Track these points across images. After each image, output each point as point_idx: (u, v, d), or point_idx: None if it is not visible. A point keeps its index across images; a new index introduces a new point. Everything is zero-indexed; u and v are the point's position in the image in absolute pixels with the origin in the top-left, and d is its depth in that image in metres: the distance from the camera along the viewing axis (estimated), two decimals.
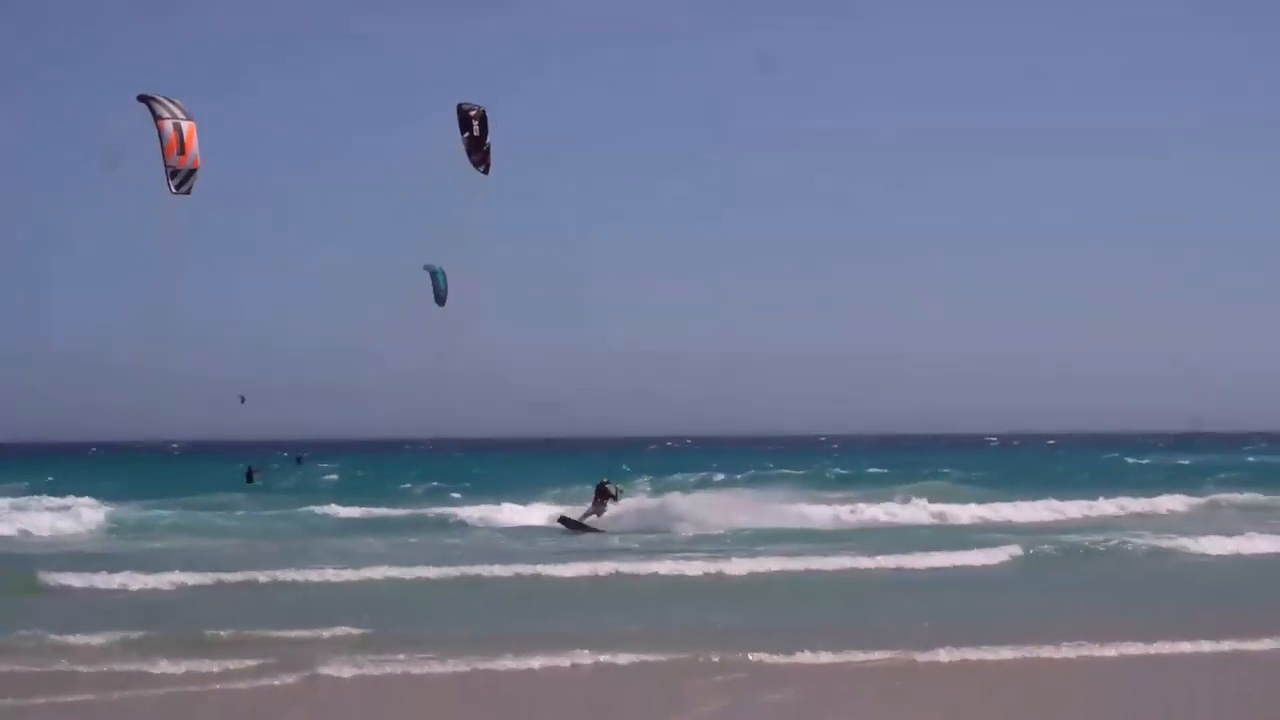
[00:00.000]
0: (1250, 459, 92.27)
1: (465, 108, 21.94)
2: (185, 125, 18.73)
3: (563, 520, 42.44)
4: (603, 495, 40.76)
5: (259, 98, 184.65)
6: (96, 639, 20.74)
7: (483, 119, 22.01)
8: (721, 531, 41.02)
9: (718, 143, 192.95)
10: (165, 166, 18.69)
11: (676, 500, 48.12)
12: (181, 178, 18.76)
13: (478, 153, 21.98)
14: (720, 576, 29.85)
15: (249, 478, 51.19)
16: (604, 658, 19.26)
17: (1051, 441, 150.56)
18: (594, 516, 41.70)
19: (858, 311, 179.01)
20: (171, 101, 18.76)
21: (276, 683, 17.98)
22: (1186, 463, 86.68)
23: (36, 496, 55.77)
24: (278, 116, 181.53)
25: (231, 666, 18.74)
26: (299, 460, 70.04)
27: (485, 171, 22.08)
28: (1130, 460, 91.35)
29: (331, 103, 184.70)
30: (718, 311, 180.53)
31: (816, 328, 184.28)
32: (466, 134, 21.93)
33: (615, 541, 38.69)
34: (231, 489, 57.30)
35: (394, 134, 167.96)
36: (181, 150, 18.68)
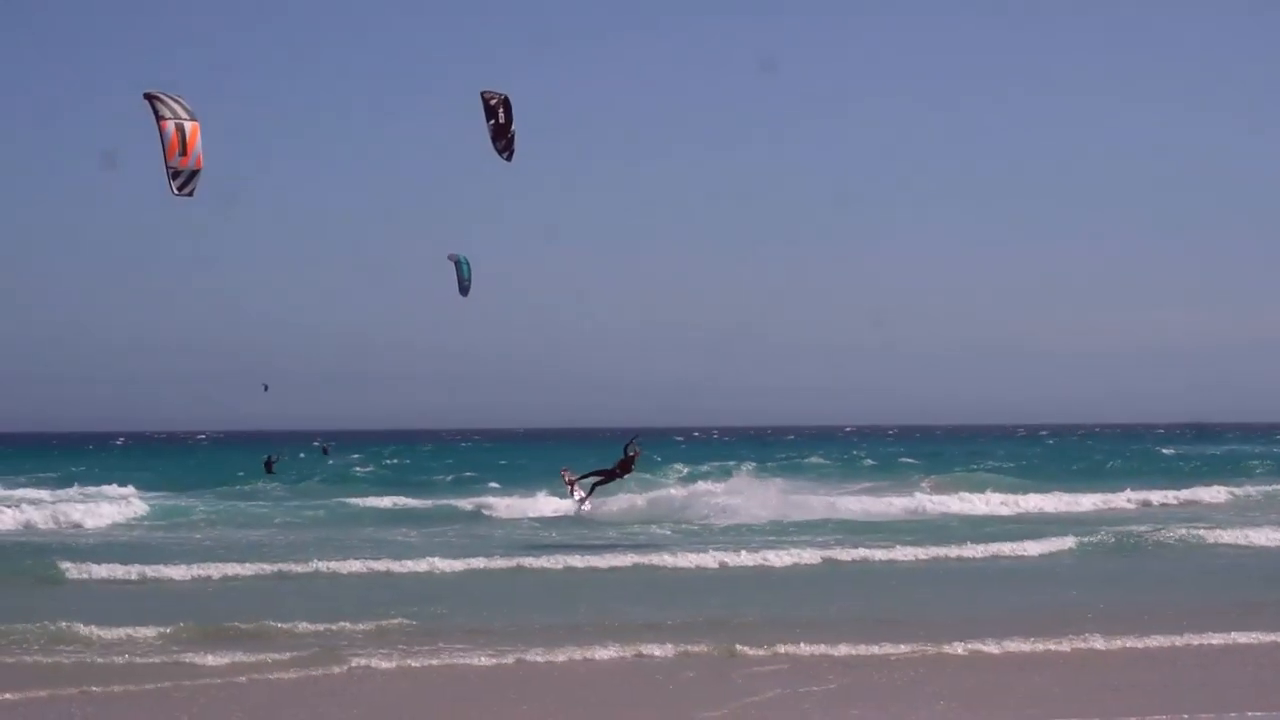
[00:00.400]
0: None
1: (487, 95, 22.01)
2: (188, 125, 18.46)
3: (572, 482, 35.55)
4: (624, 467, 33.41)
5: (274, 81, 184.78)
6: (136, 630, 20.72)
7: (506, 105, 22.00)
8: (760, 522, 40.87)
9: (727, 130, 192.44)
10: (166, 168, 18.43)
11: (713, 490, 48.03)
12: (184, 179, 18.51)
13: (503, 139, 22.00)
14: (763, 568, 29.72)
15: (268, 468, 50.80)
16: (645, 649, 19.21)
17: (1081, 432, 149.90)
18: (587, 487, 34.75)
19: (867, 304, 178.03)
20: (176, 100, 18.49)
21: (318, 673, 17.94)
22: (1218, 452, 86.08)
23: (78, 486, 55.81)
24: (294, 102, 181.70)
25: (272, 658, 18.71)
26: (325, 451, 70.04)
27: (509, 158, 22.09)
28: (1166, 450, 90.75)
29: (348, 84, 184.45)
30: (736, 301, 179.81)
31: (828, 319, 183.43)
32: (492, 121, 21.94)
33: (653, 530, 38.67)
34: (262, 479, 57.29)
35: (407, 120, 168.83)
36: (183, 152, 18.41)
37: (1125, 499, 49.85)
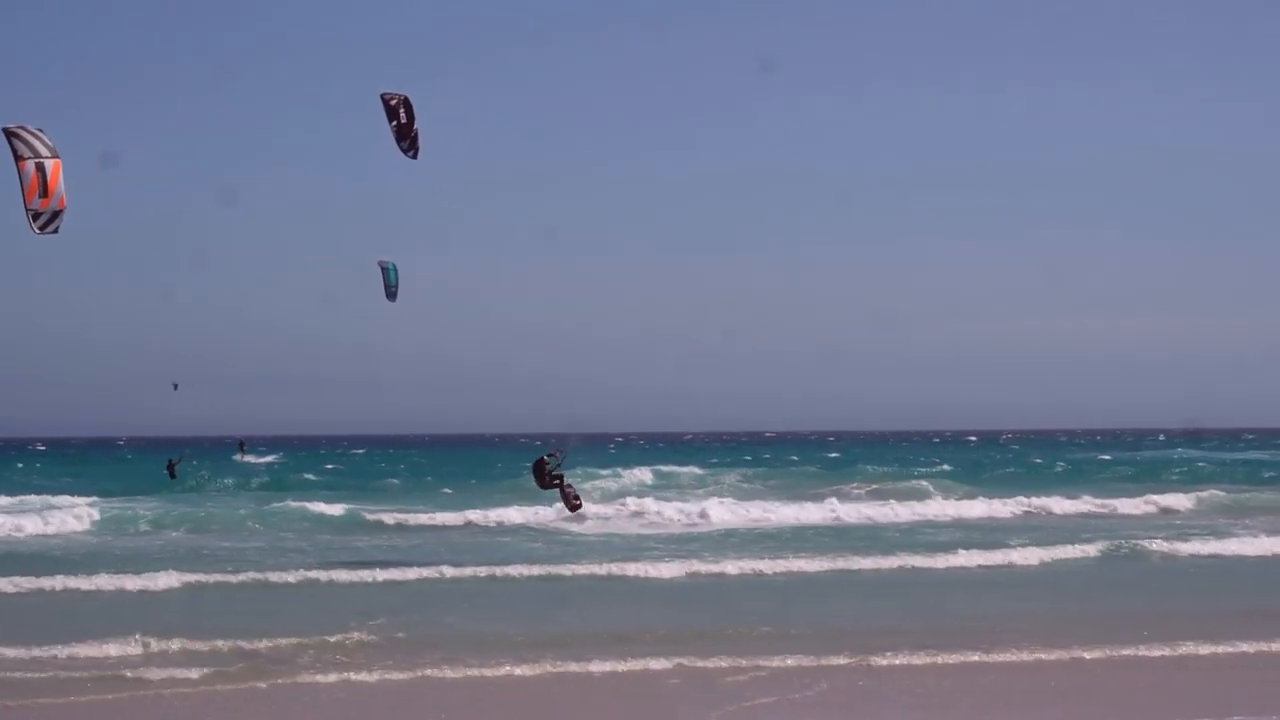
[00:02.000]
0: None
1: (387, 97, 22.35)
2: (49, 164, 17.94)
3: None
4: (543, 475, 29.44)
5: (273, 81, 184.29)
6: (79, 644, 20.44)
7: (407, 105, 22.18)
8: (726, 529, 40.96)
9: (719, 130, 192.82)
10: (26, 210, 17.89)
11: (669, 499, 48.29)
12: (46, 219, 18.01)
13: (406, 139, 22.15)
14: (793, 574, 29.94)
15: (170, 472, 49.64)
16: (626, 658, 19.19)
17: (1063, 438, 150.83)
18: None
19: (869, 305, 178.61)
20: (37, 136, 17.94)
21: (265, 686, 17.91)
22: (1229, 459, 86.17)
23: (18, 495, 55.06)
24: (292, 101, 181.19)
25: (233, 670, 18.72)
26: (241, 446, 69.72)
27: (415, 156, 22.28)
28: (1176, 453, 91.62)
29: (307, 91, 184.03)
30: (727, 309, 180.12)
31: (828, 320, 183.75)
32: (394, 123, 22.10)
33: (620, 537, 38.68)
34: (215, 480, 57.10)
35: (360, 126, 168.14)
36: (44, 193, 17.88)
37: (1134, 504, 49.98)
